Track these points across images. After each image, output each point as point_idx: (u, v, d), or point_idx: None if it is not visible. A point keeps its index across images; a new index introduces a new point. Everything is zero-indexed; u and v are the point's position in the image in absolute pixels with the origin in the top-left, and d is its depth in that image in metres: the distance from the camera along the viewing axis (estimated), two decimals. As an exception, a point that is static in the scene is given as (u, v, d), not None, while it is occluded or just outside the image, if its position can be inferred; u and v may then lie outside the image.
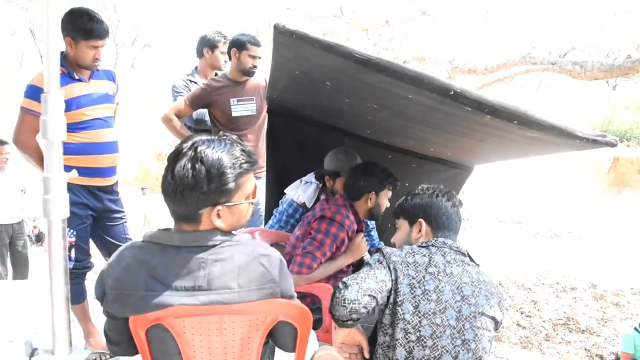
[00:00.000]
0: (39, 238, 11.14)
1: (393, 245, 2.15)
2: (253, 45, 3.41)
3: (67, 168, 2.77)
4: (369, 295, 1.75)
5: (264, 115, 3.60)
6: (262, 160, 3.60)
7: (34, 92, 2.75)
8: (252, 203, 1.61)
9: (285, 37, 1.97)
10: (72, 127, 2.81)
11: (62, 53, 2.87)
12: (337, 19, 11.98)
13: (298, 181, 3.16)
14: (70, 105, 2.79)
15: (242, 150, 1.53)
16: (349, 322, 1.79)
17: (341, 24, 12.12)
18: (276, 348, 1.70)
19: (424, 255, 1.87)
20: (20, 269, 6.25)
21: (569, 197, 15.40)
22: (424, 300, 1.77)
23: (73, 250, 2.94)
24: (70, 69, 2.82)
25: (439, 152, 3.38)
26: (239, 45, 3.41)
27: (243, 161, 1.51)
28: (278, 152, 3.41)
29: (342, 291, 1.76)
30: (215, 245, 1.48)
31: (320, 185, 3.06)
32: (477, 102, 1.89)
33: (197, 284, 1.45)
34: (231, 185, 1.48)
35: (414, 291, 1.78)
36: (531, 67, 8.76)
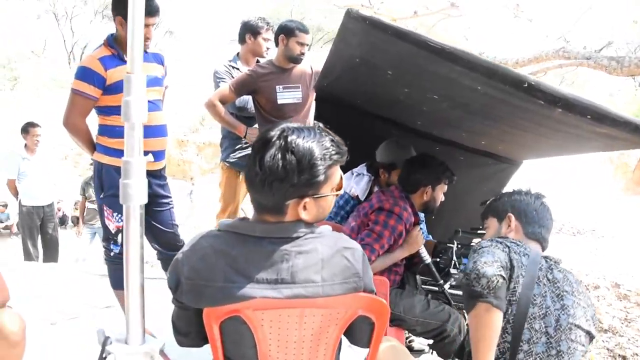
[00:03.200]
0: (62, 221, 11.24)
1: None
2: (302, 32, 3.34)
3: (118, 152, 2.80)
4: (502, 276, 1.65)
5: (310, 103, 3.53)
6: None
7: (84, 74, 2.71)
8: (337, 195, 1.55)
9: (355, 23, 1.95)
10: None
11: (111, 35, 2.84)
12: (365, 8, 11.85)
13: (349, 173, 3.10)
14: (120, 87, 2.71)
15: (332, 140, 1.46)
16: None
17: (369, 14, 12.03)
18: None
19: (526, 256, 1.77)
20: (51, 251, 6.29)
21: (593, 195, 15.18)
22: (517, 305, 1.68)
23: (120, 235, 2.91)
24: (121, 50, 2.78)
25: (490, 146, 3.30)
26: (287, 31, 3.34)
27: (333, 152, 1.44)
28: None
29: (476, 265, 1.64)
30: (299, 237, 1.43)
31: (373, 177, 3.00)
32: (551, 95, 1.83)
33: (280, 277, 1.40)
34: (321, 177, 1.42)
35: (515, 293, 1.70)
36: (565, 62, 8.59)
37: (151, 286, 3.65)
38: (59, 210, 10.72)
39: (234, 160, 3.78)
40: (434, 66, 2.01)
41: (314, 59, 3.67)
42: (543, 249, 1.91)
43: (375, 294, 1.55)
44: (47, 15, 24.09)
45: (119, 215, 2.86)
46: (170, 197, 3.09)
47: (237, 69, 3.77)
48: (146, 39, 2.77)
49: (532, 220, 1.93)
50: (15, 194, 6.15)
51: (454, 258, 2.71)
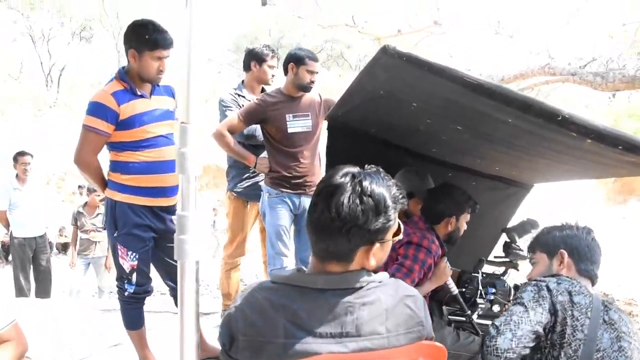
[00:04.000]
0: (65, 247, 11.07)
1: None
2: (311, 60, 3.32)
3: (131, 189, 2.74)
4: (524, 346, 1.64)
5: (319, 131, 3.50)
6: (317, 178, 3.51)
7: (97, 109, 2.65)
8: (396, 240, 1.50)
9: (390, 59, 1.95)
10: (135, 146, 2.72)
11: (123, 68, 2.78)
12: (349, 27, 11.90)
13: None
14: (133, 122, 2.69)
15: (396, 185, 1.43)
16: None
17: (353, 33, 12.09)
18: None
19: (585, 296, 1.76)
20: (43, 283, 6.13)
21: (574, 205, 15.37)
22: (584, 345, 1.66)
23: (134, 275, 2.83)
24: (133, 84, 2.72)
25: (503, 171, 3.30)
26: (297, 59, 3.31)
27: (400, 196, 1.42)
28: (337, 170, 3.32)
29: (495, 339, 1.65)
30: (362, 287, 1.38)
31: None
32: (584, 128, 1.85)
33: (345, 330, 1.34)
34: (392, 222, 1.39)
35: (576, 334, 1.68)
36: (551, 78, 8.72)
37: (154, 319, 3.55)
38: (61, 236, 10.61)
39: (241, 189, 3.72)
40: (466, 100, 2.02)
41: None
42: (593, 285, 1.89)
43: (432, 338, 1.51)
44: (24, 37, 23.80)
45: (134, 255, 2.79)
46: (183, 232, 3.01)
47: (243, 96, 3.73)
48: (160, 71, 2.72)
49: (585, 257, 1.91)
50: (7, 225, 5.98)
51: (480, 288, 2.68)
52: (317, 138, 3.49)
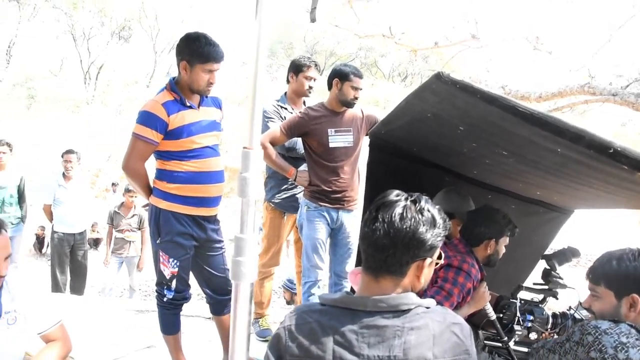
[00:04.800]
0: (96, 242, 11.30)
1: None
2: (356, 76, 3.34)
3: (176, 197, 2.79)
4: None
5: (360, 147, 3.51)
6: (355, 194, 3.53)
7: (147, 118, 2.71)
8: (439, 265, 1.54)
9: (442, 85, 1.98)
10: (182, 155, 2.77)
11: (173, 79, 2.84)
12: (386, 38, 11.89)
13: None
14: (181, 133, 2.74)
15: (440, 210, 1.49)
16: None
17: (389, 44, 12.08)
18: None
19: None
20: (79, 277, 6.28)
21: (609, 227, 15.06)
22: None
23: (174, 281, 2.88)
24: (182, 95, 2.78)
25: (545, 196, 3.28)
26: (341, 75, 3.34)
27: (445, 220, 1.49)
28: (377, 186, 3.32)
29: None
30: (410, 310, 1.40)
31: None
32: (636, 161, 1.82)
33: (393, 354, 1.36)
34: (440, 242, 1.46)
35: None
36: (590, 98, 8.58)
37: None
38: (94, 231, 10.85)
39: (279, 201, 3.76)
40: (516, 128, 2.02)
41: (324, 84, 3.64)
42: None
43: None
44: (66, 35, 24.37)
45: (175, 262, 2.84)
46: (222, 241, 3.06)
47: (285, 108, 3.77)
48: (210, 84, 2.77)
49: None
50: (50, 218, 6.18)
51: (518, 314, 2.66)
52: (357, 153, 3.51)
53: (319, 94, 3.93)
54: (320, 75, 4.02)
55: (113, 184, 13.44)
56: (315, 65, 3.83)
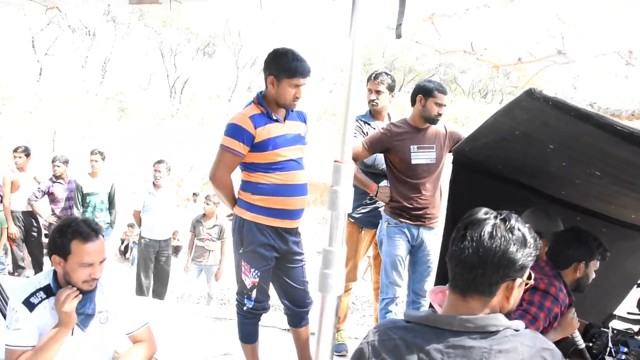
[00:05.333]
0: (176, 250, 11.70)
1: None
2: (440, 93, 3.31)
3: (259, 209, 2.85)
4: None
5: (442, 165, 3.47)
6: (437, 211, 3.48)
7: (235, 131, 2.80)
8: (528, 286, 1.49)
9: (534, 102, 1.92)
10: (267, 168, 2.84)
11: (260, 93, 2.92)
12: (467, 54, 11.68)
13: None
14: (267, 145, 2.81)
15: (530, 229, 1.44)
16: None
17: (470, 60, 11.88)
18: None
19: None
20: (161, 282, 6.55)
21: None
22: None
23: (254, 291, 2.94)
24: (269, 109, 2.85)
25: (640, 220, 3.09)
26: (425, 92, 3.32)
27: (536, 239, 1.44)
28: (459, 204, 3.25)
29: None
30: (498, 331, 1.36)
31: None
32: None
33: None
34: (531, 262, 1.41)
35: None
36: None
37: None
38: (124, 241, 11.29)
39: (358, 216, 3.76)
40: (611, 147, 1.94)
41: (403, 99, 3.59)
42: None
43: None
44: (154, 52, 25.65)
45: (256, 272, 2.90)
46: (303, 254, 3.10)
47: (369, 124, 3.78)
48: (296, 98, 2.83)
49: None
50: (139, 224, 6.50)
51: (610, 344, 2.51)
52: (440, 170, 3.47)
53: (398, 109, 3.91)
54: (399, 91, 4.00)
55: (194, 194, 13.92)
56: (375, 75, 3.82)
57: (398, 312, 3.49)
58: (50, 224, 6.82)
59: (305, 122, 3.06)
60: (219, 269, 6.98)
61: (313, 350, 3.34)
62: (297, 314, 3.12)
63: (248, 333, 3.08)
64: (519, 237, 1.38)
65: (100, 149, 6.83)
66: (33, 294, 2.18)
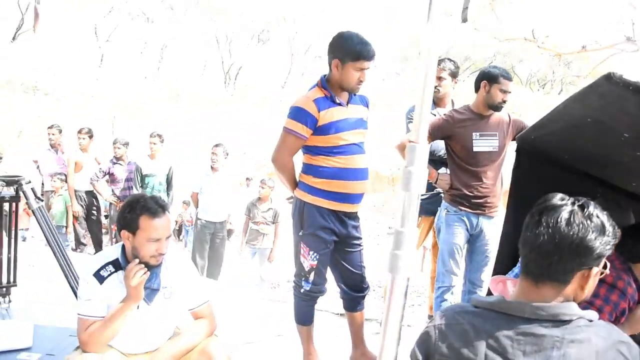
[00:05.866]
0: (229, 233, 11.92)
1: None
2: (505, 79, 3.23)
3: (321, 192, 2.86)
4: None
5: (505, 153, 3.39)
6: (497, 200, 3.40)
7: (298, 114, 2.81)
8: (603, 275, 1.43)
9: (612, 87, 1.83)
10: (328, 151, 2.84)
11: (324, 76, 2.92)
12: (527, 42, 11.34)
13: None
14: (329, 129, 2.81)
15: (609, 217, 1.39)
16: None
17: (529, 47, 11.56)
18: None
19: None
20: (215, 263, 6.69)
21: None
22: None
23: (312, 274, 2.96)
24: (333, 92, 2.85)
25: None
26: (490, 78, 3.24)
27: (615, 227, 1.39)
28: (522, 194, 3.18)
29: None
30: (571, 320, 1.32)
31: None
32: None
33: None
34: (609, 250, 1.36)
35: None
36: None
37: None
38: (177, 222, 11.50)
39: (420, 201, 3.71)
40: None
41: (460, 88, 3.50)
42: None
43: None
44: (210, 39, 26.07)
45: (315, 255, 2.91)
46: (361, 238, 3.10)
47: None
48: (360, 82, 2.82)
49: None
50: (197, 206, 6.66)
51: (682, 343, 2.40)
52: (502, 159, 3.39)
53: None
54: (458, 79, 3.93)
55: (247, 179, 14.08)
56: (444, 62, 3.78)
57: (453, 301, 3.45)
58: (110, 203, 7.07)
59: (367, 107, 3.04)
60: (272, 252, 7.07)
61: (367, 335, 3.34)
62: (353, 299, 3.13)
63: (304, 315, 3.11)
64: (598, 225, 1.34)
65: (159, 131, 7.00)
66: (103, 267, 2.26)
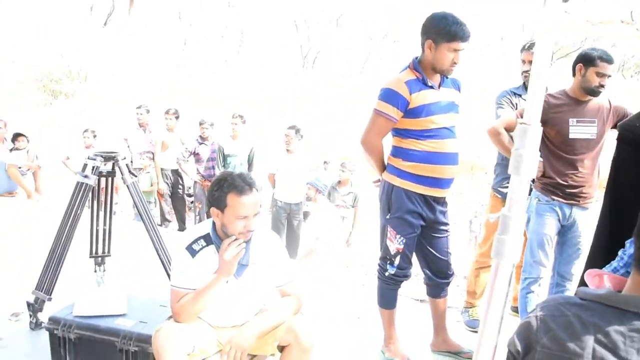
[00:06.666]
0: (305, 215, 12.00)
1: None
2: (604, 62, 3.04)
3: (410, 176, 2.83)
4: None
5: (603, 141, 3.21)
6: (593, 190, 3.24)
7: (389, 95, 2.78)
8: None
9: None
10: (420, 134, 2.80)
11: (416, 58, 2.87)
12: (625, 25, 10.65)
13: None
14: (421, 112, 2.77)
15: None
16: None
17: (627, 31, 10.86)
18: None
19: None
20: (292, 244, 6.80)
21: None
22: None
23: (398, 258, 2.94)
24: (425, 74, 2.79)
25: None
26: (586, 60, 3.07)
27: None
28: (623, 185, 3.01)
29: None
30: None
31: None
32: None
33: None
34: None
35: None
36: None
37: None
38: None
39: (505, 190, 3.61)
40: None
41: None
42: None
43: None
44: (289, 23, 26.28)
45: (402, 239, 2.90)
46: (448, 224, 3.05)
47: (520, 95, 3.59)
48: (453, 63, 2.75)
49: None
50: (273, 186, 6.76)
51: None
52: (600, 147, 3.21)
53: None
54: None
55: (325, 162, 14.13)
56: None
57: (540, 293, 3.33)
58: (195, 182, 7.32)
59: (459, 90, 2.97)
60: (350, 236, 7.09)
61: (448, 322, 3.27)
62: (437, 285, 3.09)
63: (387, 299, 3.11)
64: None
65: (241, 113, 7.15)
66: (195, 241, 2.34)
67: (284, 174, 6.55)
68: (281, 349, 2.34)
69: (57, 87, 18.49)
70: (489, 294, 1.38)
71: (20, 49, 18.10)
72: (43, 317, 3.15)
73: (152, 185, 7.44)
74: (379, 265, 3.07)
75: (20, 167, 7.29)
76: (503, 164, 3.60)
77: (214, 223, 2.36)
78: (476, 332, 3.64)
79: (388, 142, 2.96)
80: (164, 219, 7.55)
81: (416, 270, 3.27)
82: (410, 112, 2.76)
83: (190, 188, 7.88)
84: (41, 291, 3.19)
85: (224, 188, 2.25)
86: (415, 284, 4.40)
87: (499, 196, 3.62)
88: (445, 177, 2.84)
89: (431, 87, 2.80)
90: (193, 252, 2.31)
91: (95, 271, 4.19)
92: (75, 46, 19.34)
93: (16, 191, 7.46)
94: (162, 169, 7.30)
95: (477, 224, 11.74)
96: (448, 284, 3.10)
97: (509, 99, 3.58)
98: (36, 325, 3.20)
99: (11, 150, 7.32)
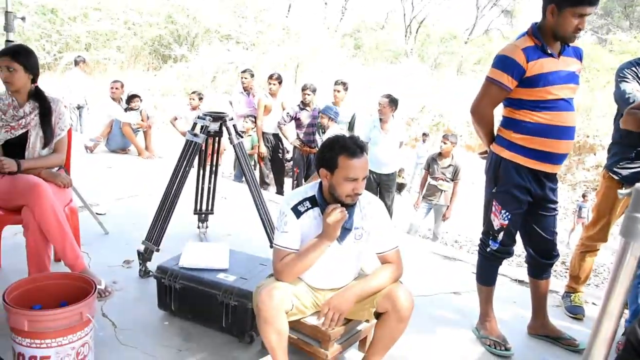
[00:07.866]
0: (400, 187, 11.76)
1: None
2: None
3: (520, 149, 2.67)
4: None
5: None
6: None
7: (505, 63, 2.63)
8: None
9: None
10: (534, 105, 2.64)
11: (535, 24, 2.69)
12: None
13: None
14: (538, 81, 2.60)
15: None
16: None
17: None
18: None
19: None
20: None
21: None
22: None
23: (502, 233, 2.83)
24: (544, 42, 2.62)
25: None
26: None
27: None
28: None
29: None
30: None
31: None
32: None
33: None
34: None
35: None
36: None
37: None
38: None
39: (619, 170, 3.34)
40: None
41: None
42: None
43: None
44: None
45: (507, 214, 2.78)
46: (557, 202, 2.88)
47: None
48: (577, 29, 2.55)
49: None
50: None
51: None
52: None
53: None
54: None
55: (424, 134, 13.87)
56: None
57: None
58: (294, 147, 7.41)
59: (581, 60, 2.76)
60: (448, 209, 6.93)
61: (548, 307, 3.09)
62: (540, 265, 2.95)
63: (487, 275, 3.01)
64: None
65: (344, 79, 7.10)
66: (300, 203, 2.35)
67: (375, 144, 6.42)
68: (377, 315, 2.33)
69: (166, 52, 19.36)
70: (613, 274, 1.28)
71: (133, 15, 19.01)
72: (151, 266, 3.34)
73: (252, 149, 7.62)
74: (481, 240, 2.97)
75: (133, 126, 7.75)
76: (620, 142, 3.32)
77: (320, 185, 2.36)
78: (578, 318, 3.48)
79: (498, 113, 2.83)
80: (263, 182, 7.72)
81: (518, 249, 3.13)
82: (526, 82, 2.60)
83: (289, 152, 7.99)
84: (150, 242, 3.38)
85: (335, 149, 2.24)
86: (516, 263, 4.23)
87: (615, 177, 3.35)
88: (558, 152, 2.67)
89: (550, 55, 2.62)
90: (298, 213, 2.32)
91: (199, 227, 4.40)
92: (184, 12, 20.06)
93: (129, 148, 7.96)
94: (263, 133, 7.44)
95: (586, 209, 11.05)
96: (552, 265, 2.95)
97: (635, 73, 3.28)
98: (144, 273, 3.40)
99: (126, 110, 7.79)
